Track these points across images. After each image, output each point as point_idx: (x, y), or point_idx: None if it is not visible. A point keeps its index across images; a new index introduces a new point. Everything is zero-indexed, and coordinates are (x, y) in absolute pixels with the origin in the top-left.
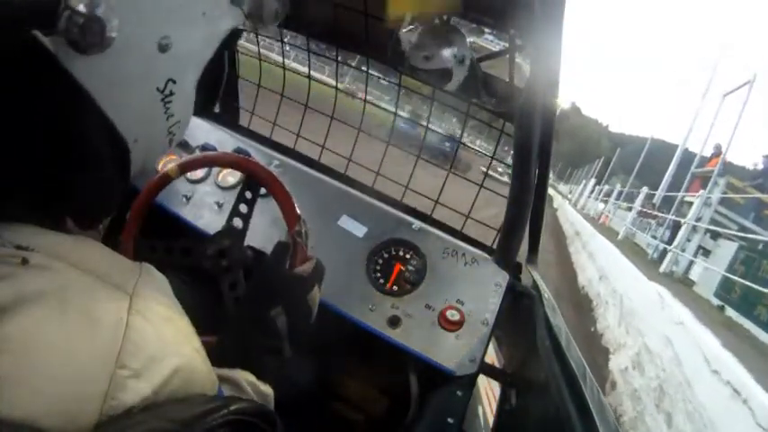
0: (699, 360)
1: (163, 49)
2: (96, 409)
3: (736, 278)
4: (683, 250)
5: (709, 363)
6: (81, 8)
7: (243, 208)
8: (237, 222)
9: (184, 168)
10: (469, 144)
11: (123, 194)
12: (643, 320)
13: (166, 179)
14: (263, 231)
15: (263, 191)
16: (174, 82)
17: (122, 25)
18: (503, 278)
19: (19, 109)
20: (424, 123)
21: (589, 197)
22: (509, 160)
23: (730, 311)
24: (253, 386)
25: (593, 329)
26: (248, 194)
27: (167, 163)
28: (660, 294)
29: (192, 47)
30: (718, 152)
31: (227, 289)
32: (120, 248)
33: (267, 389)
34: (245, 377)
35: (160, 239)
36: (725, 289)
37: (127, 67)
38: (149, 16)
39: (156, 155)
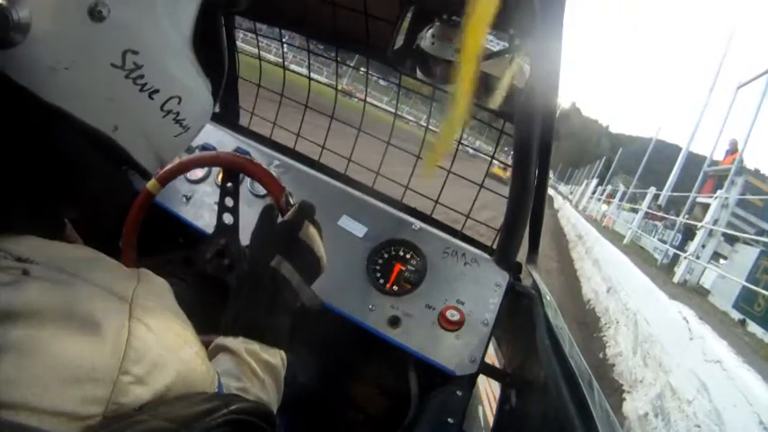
0: (750, 423)
1: (97, 17)
2: (98, 413)
3: (759, 289)
4: (698, 257)
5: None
6: None
7: (229, 202)
8: (228, 218)
9: (164, 180)
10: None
11: (125, 189)
12: (666, 351)
13: (149, 196)
14: None
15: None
16: (136, 52)
17: (36, 4)
18: (503, 278)
19: None
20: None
21: (591, 198)
22: (509, 160)
23: (754, 327)
24: (254, 355)
25: (601, 356)
26: (230, 186)
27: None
28: (686, 319)
29: (148, 9)
30: (733, 148)
31: (236, 283)
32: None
33: (272, 356)
34: (247, 346)
35: (160, 245)
36: (746, 301)
37: (59, 49)
38: None
39: (163, 140)
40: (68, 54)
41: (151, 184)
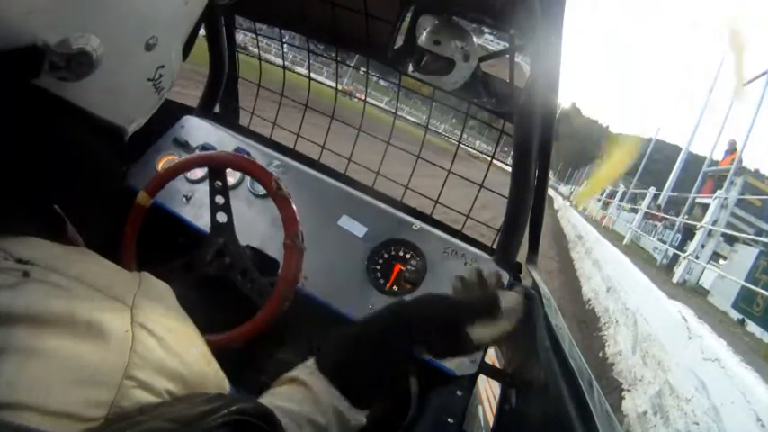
0: (748, 421)
1: (150, 48)
2: (101, 416)
3: (758, 289)
4: (697, 257)
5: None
6: (62, 49)
7: (219, 200)
8: (222, 217)
9: (152, 191)
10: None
11: (118, 177)
12: (665, 350)
13: (141, 210)
14: (263, 231)
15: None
16: (163, 66)
17: (106, 42)
18: (503, 278)
19: (8, 135)
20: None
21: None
22: (509, 160)
23: (753, 327)
24: (337, 415)
25: (601, 354)
26: (218, 184)
27: (167, 163)
28: (685, 318)
29: (177, 33)
30: (732, 149)
31: (240, 278)
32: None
33: (355, 418)
34: (334, 404)
35: (160, 245)
36: (745, 300)
37: (118, 76)
38: (133, 25)
39: (149, 115)
40: (122, 78)
41: (141, 196)
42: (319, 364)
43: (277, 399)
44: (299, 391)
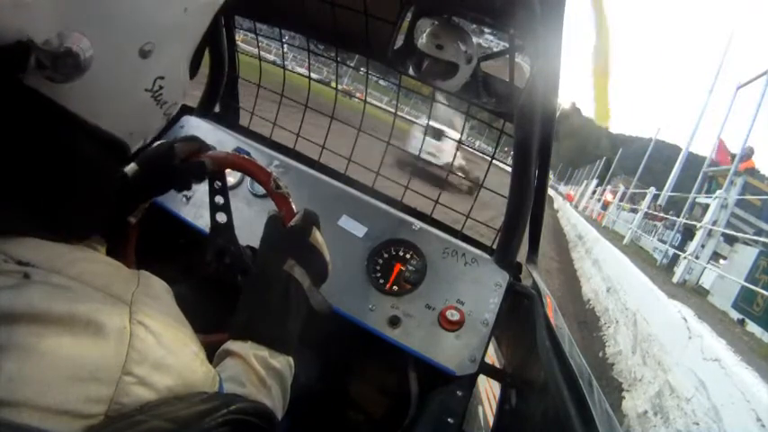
0: (748, 420)
1: (145, 55)
2: (101, 412)
3: (758, 289)
4: (697, 257)
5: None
6: (49, 47)
7: (219, 200)
8: (221, 217)
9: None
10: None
11: (120, 186)
12: (665, 350)
13: (133, 226)
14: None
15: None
16: (163, 77)
17: (97, 45)
18: (503, 278)
19: (5, 137)
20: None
21: (591, 198)
22: (509, 160)
23: (753, 327)
24: (263, 362)
25: (601, 354)
26: (217, 184)
27: None
28: (685, 318)
29: (178, 43)
30: (749, 155)
31: (240, 278)
32: None
33: (280, 363)
34: (255, 352)
35: (160, 245)
36: (745, 300)
37: (110, 82)
38: (126, 29)
39: (154, 132)
40: (113, 85)
41: (131, 222)
42: (234, 333)
43: (224, 373)
44: (234, 364)
